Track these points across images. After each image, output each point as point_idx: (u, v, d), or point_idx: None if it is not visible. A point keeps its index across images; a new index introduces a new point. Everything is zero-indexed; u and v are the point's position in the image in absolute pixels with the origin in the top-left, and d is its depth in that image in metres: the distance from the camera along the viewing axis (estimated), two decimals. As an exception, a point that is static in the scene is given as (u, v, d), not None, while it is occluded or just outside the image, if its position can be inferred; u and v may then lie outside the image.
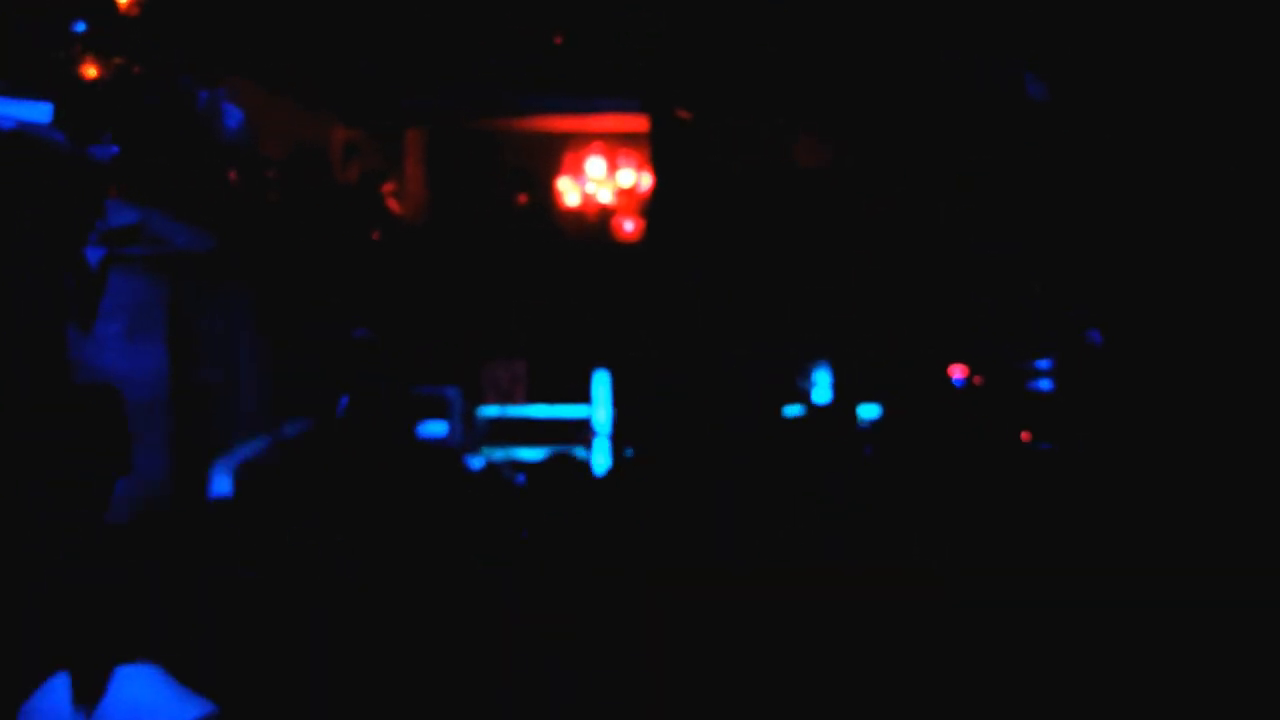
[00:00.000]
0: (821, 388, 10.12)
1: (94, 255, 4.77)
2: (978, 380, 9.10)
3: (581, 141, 11.88)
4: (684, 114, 9.97)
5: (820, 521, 7.58)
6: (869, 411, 9.83)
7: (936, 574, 6.23)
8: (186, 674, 3.18)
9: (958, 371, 9.28)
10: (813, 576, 6.35)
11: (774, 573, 6.39)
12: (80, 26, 4.63)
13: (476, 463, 9.86)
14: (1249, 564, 5.71)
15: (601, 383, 10.65)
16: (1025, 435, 8.38)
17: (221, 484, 5.22)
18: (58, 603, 3.29)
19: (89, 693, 3.00)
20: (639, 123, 10.75)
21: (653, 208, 11.04)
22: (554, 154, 11.96)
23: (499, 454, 10.37)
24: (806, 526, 7.43)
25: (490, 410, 10.86)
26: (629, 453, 10.17)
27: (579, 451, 10.29)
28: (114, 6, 4.79)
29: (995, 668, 5.11)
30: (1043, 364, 8.65)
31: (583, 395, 10.75)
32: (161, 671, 3.14)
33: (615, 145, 11.80)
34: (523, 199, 12.04)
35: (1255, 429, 6.66)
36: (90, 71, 4.64)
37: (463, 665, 4.99)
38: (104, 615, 3.19)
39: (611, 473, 9.78)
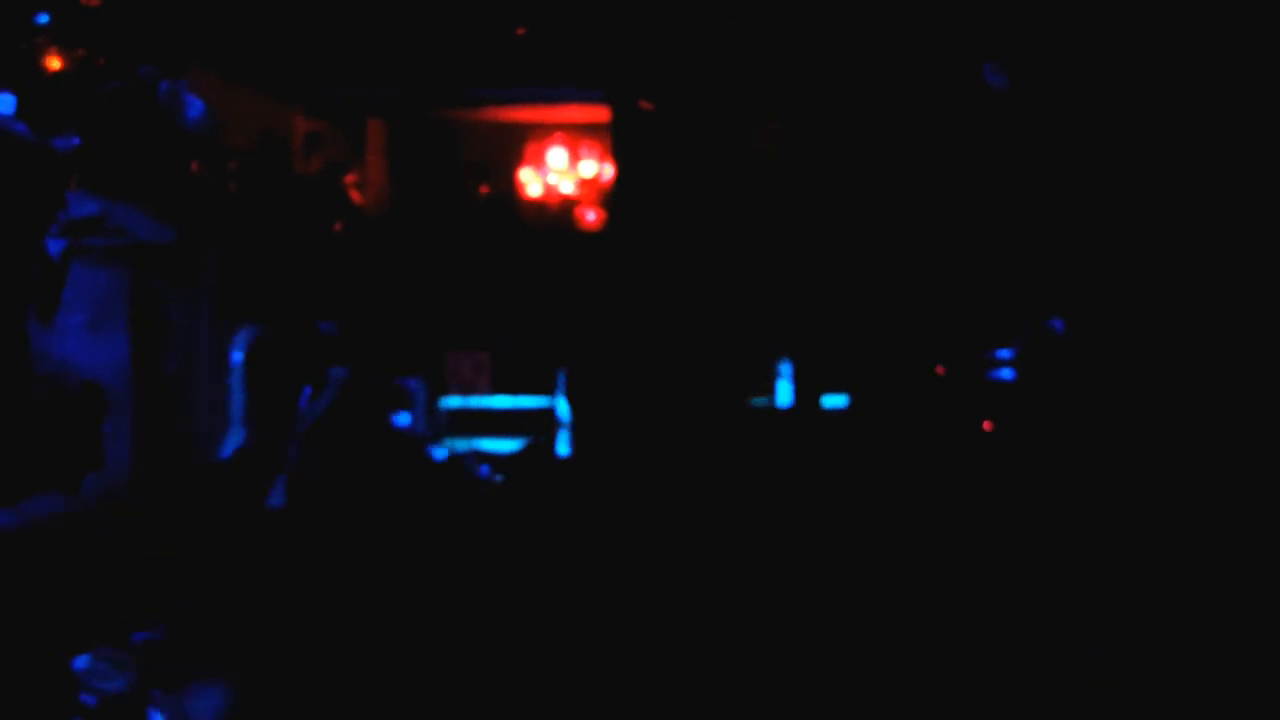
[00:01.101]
0: (785, 378, 10.15)
1: (55, 246, 4.76)
2: (939, 370, 9.14)
3: (543, 132, 11.88)
4: (646, 104, 9.98)
5: (786, 513, 7.60)
6: (833, 402, 9.87)
7: (906, 565, 6.26)
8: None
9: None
10: (779, 570, 6.37)
11: (741, 565, 6.41)
12: (43, 18, 4.61)
13: (440, 454, 9.85)
14: (1217, 553, 5.76)
15: (565, 374, 10.65)
16: (987, 425, 8.42)
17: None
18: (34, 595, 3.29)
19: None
20: (601, 113, 10.75)
21: (615, 198, 11.06)
22: (516, 145, 11.96)
23: (462, 445, 10.35)
24: (770, 518, 7.44)
25: (453, 401, 10.85)
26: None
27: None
28: (76, -2, 4.79)
29: (966, 661, 5.14)
30: (1004, 353, 8.68)
31: (547, 386, 10.75)
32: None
33: (577, 136, 11.80)
34: (485, 190, 12.03)
35: (1223, 416, 6.71)
36: (53, 63, 4.63)
37: (434, 658, 4.99)
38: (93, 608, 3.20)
39: (572, 463, 9.79)
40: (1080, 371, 7.63)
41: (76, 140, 4.58)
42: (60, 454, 3.82)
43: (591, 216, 11.81)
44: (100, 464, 3.90)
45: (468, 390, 11.11)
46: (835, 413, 9.79)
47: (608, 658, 5.22)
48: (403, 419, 9.93)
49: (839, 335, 9.90)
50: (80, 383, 3.94)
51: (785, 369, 10.16)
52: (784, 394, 10.20)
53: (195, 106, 5.46)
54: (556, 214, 11.92)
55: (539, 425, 10.64)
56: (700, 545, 6.80)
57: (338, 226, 10.65)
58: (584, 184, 11.87)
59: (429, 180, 11.88)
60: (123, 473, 4.87)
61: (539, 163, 11.94)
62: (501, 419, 10.85)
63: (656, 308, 9.71)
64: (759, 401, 10.11)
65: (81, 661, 3.22)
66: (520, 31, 9.98)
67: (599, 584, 6.08)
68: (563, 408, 10.63)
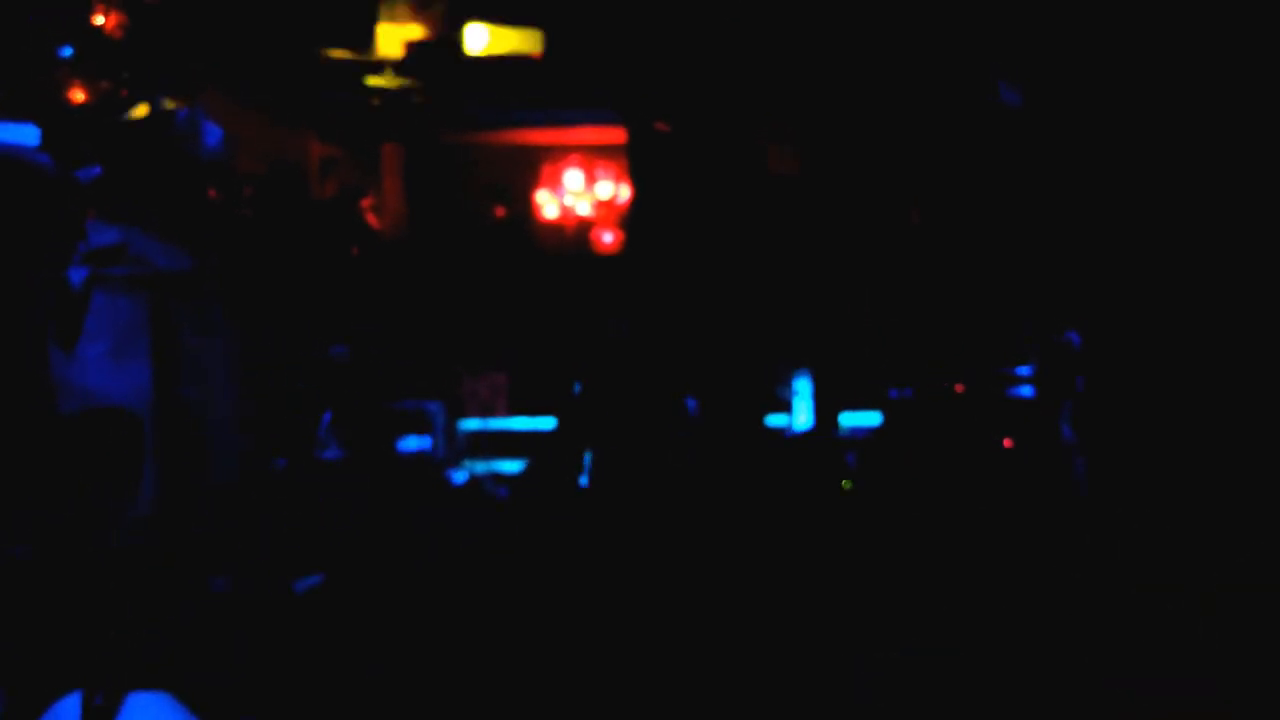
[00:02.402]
0: (802, 397, 10.14)
1: (77, 276, 4.77)
2: (959, 388, 9.13)
3: (559, 154, 11.90)
4: (662, 126, 9.99)
5: (802, 531, 7.59)
6: (851, 420, 9.86)
7: (924, 583, 6.25)
8: (191, 697, 3.19)
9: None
10: (798, 587, 6.36)
11: (755, 585, 6.40)
12: (66, 51, 4.64)
13: (460, 477, 9.86)
14: (1235, 567, 5.75)
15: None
16: (1007, 443, 8.41)
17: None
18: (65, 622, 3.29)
19: (100, 716, 3.00)
20: (616, 135, 10.76)
21: (631, 219, 11.06)
22: (532, 167, 11.98)
23: (481, 467, 10.36)
24: (789, 536, 7.44)
25: (472, 424, 10.86)
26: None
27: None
28: (99, 30, 4.80)
29: (983, 674, 5.13)
30: (1023, 371, 8.68)
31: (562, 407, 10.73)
32: (172, 699, 3.14)
33: (593, 157, 11.82)
34: (501, 212, 12.04)
35: (1238, 429, 6.69)
36: (77, 95, 4.65)
37: (450, 678, 4.99)
38: (113, 637, 3.19)
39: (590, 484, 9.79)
40: (1099, 387, 7.62)
41: (97, 170, 4.60)
42: (97, 485, 3.84)
43: (608, 238, 11.82)
44: (134, 497, 3.91)
45: (485, 412, 11.11)
46: (855, 431, 9.78)
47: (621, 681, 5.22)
48: (422, 442, 9.95)
49: (857, 354, 9.89)
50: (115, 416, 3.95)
51: (804, 388, 10.15)
52: (802, 413, 10.19)
53: (213, 134, 5.48)
54: (573, 236, 11.93)
55: (550, 447, 10.63)
56: (717, 566, 6.79)
57: (354, 251, 10.67)
58: (600, 205, 11.88)
59: (445, 203, 11.89)
60: (146, 498, 4.88)
61: (555, 184, 11.95)
62: (520, 441, 10.85)
63: (673, 329, 9.70)
64: (777, 420, 10.10)
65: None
66: (536, 54, 9.99)
67: (614, 609, 6.07)
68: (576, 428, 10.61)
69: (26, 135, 4.01)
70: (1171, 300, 7.24)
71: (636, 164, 10.54)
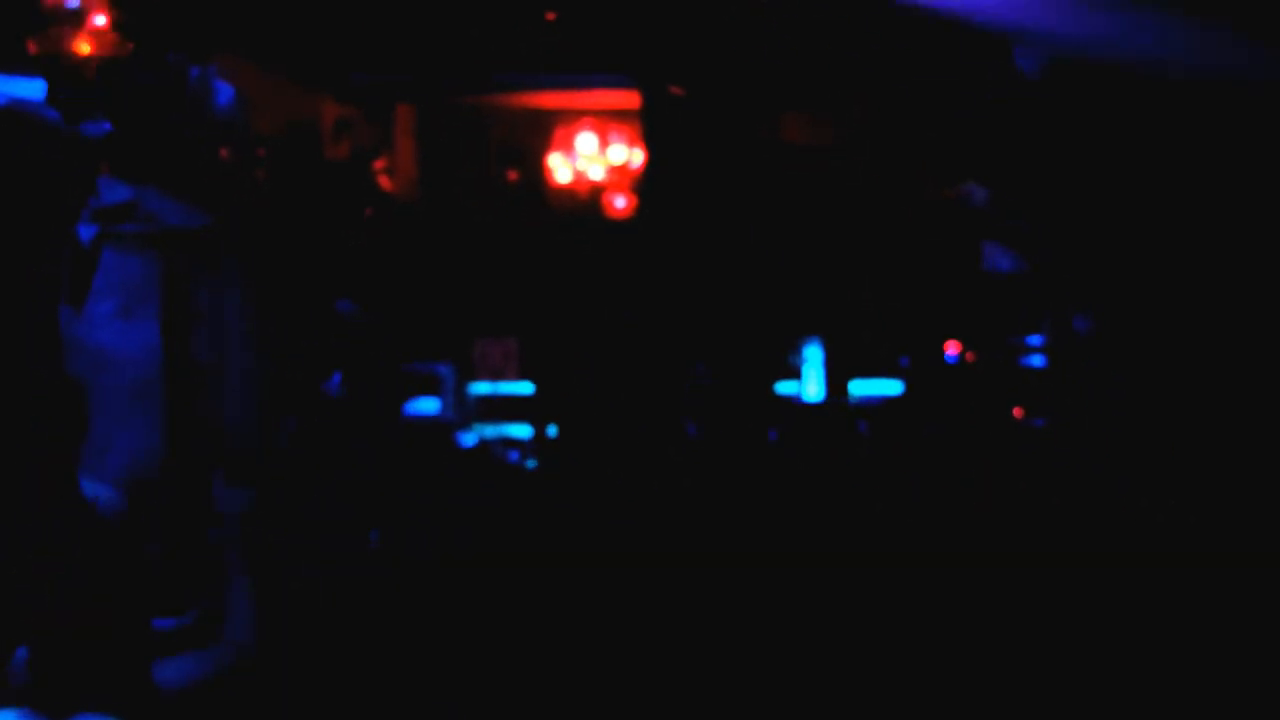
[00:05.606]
0: (813, 364, 10.13)
1: (86, 233, 4.77)
2: (970, 357, 9.11)
3: (572, 118, 11.85)
4: (676, 90, 9.96)
5: (815, 501, 7.60)
6: (862, 389, 9.85)
7: (931, 555, 6.25)
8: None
9: (950, 348, 9.29)
10: (807, 557, 6.36)
11: (769, 554, 6.40)
12: (73, 3, 4.62)
13: (469, 440, 9.88)
14: (1240, 543, 5.74)
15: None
16: (1018, 411, 8.40)
17: None
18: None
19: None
20: (631, 99, 10.73)
21: (645, 184, 11.04)
22: (545, 130, 11.93)
23: (490, 431, 10.38)
24: (801, 505, 7.44)
25: (482, 387, 10.87)
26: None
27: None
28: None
29: (987, 654, 5.12)
30: (1034, 340, 8.66)
31: (575, 372, 10.73)
32: None
33: (607, 121, 11.77)
34: (514, 176, 12.01)
35: (1244, 407, 6.68)
36: (84, 48, 4.62)
37: (457, 646, 5.00)
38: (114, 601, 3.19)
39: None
40: (1108, 360, 7.60)
41: (107, 126, 4.58)
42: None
43: (621, 203, 11.79)
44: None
45: (496, 377, 11.12)
46: (866, 399, 9.77)
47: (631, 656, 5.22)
48: (431, 404, 9.97)
49: (868, 322, 9.88)
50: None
51: (815, 356, 10.14)
52: (813, 381, 10.19)
53: (225, 93, 5.46)
54: (585, 200, 11.89)
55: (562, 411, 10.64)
56: (735, 534, 6.79)
57: (367, 212, 10.67)
58: (613, 170, 11.83)
59: (458, 166, 11.87)
60: (154, 459, 4.88)
61: (568, 148, 11.90)
62: (529, 405, 10.87)
63: (686, 294, 9.69)
64: (788, 388, 10.10)
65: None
66: (550, 16, 9.95)
67: (623, 578, 6.07)
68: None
69: (33, 89, 3.99)
70: (1187, 285, 7.22)
71: (651, 129, 10.52)
